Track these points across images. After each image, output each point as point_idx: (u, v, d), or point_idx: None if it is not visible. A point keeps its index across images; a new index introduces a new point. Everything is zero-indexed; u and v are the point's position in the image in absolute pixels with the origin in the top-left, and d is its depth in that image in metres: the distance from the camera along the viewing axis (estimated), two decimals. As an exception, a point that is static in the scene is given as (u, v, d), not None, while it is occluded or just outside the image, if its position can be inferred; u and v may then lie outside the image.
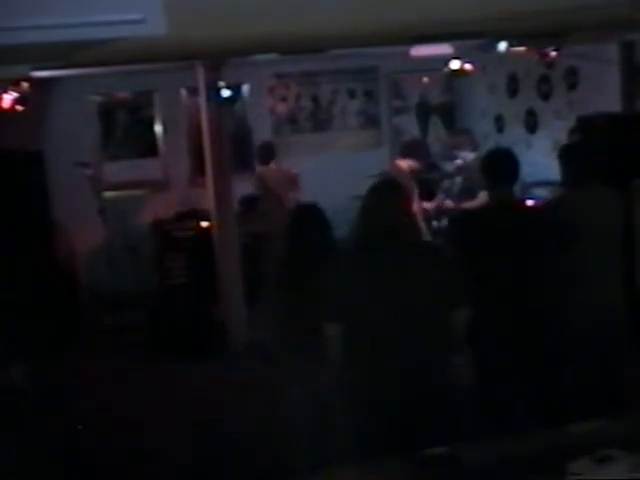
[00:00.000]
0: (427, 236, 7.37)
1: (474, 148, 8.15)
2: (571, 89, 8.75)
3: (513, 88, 9.70)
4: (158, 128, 9.58)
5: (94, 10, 2.05)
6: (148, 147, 9.60)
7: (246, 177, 9.34)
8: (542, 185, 7.66)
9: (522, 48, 7.80)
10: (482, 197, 7.47)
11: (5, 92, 7.43)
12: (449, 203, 8.05)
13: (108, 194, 9.01)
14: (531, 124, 9.43)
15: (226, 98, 7.56)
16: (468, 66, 8.54)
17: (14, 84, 7.39)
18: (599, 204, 4.94)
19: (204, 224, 8.56)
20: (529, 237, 4.64)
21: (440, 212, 8.09)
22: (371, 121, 10.39)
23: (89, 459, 5.39)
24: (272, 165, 8.45)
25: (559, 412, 4.65)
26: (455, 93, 10.56)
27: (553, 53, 7.83)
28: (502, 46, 7.42)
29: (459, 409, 4.20)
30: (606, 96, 8.11)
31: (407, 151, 8.24)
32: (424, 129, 10.54)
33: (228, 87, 7.51)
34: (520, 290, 4.59)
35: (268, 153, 8.53)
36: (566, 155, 5.05)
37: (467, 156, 8.09)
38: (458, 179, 8.16)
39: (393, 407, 3.82)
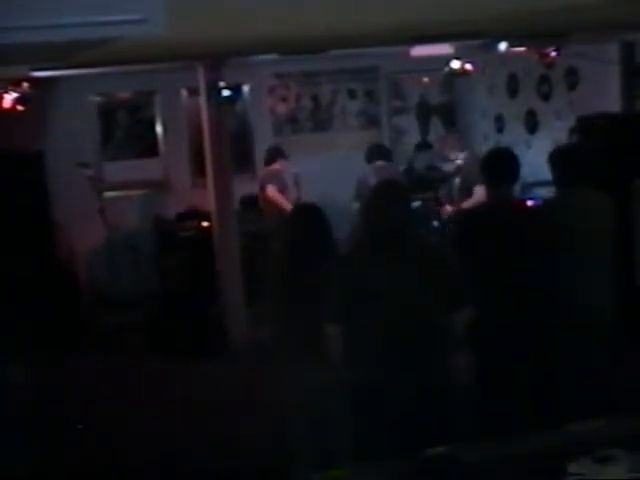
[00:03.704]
0: (427, 236, 7.37)
1: (464, 148, 8.18)
2: (571, 89, 8.74)
3: (513, 88, 9.70)
4: (158, 128, 9.59)
5: (94, 10, 2.05)
6: (148, 147, 9.60)
7: (246, 177, 9.35)
8: (542, 185, 7.66)
9: (522, 48, 7.81)
10: (478, 193, 7.51)
11: (5, 92, 7.43)
12: (449, 203, 8.06)
13: (108, 194, 9.01)
14: (531, 124, 9.43)
15: (226, 98, 7.55)
16: (468, 66, 8.54)
17: (14, 84, 7.39)
18: (596, 205, 4.94)
19: (204, 224, 8.56)
20: (528, 237, 4.64)
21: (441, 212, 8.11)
22: (371, 121, 10.39)
23: (89, 459, 5.39)
24: (275, 165, 8.44)
25: (559, 412, 4.65)
26: (455, 93, 10.56)
27: (553, 53, 7.83)
28: (502, 46, 7.42)
29: (459, 409, 4.21)
30: (606, 96, 8.11)
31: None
32: (424, 129, 10.54)
33: (228, 87, 7.50)
34: (520, 290, 4.59)
35: (273, 155, 8.54)
36: (559, 158, 5.04)
37: (459, 156, 8.12)
38: (458, 179, 8.17)
39: (393, 407, 3.82)
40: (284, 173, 8.50)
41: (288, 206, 7.89)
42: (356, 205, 7.87)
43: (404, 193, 4.28)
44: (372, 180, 7.80)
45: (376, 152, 8.31)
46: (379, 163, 8.17)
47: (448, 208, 8.07)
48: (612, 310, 4.88)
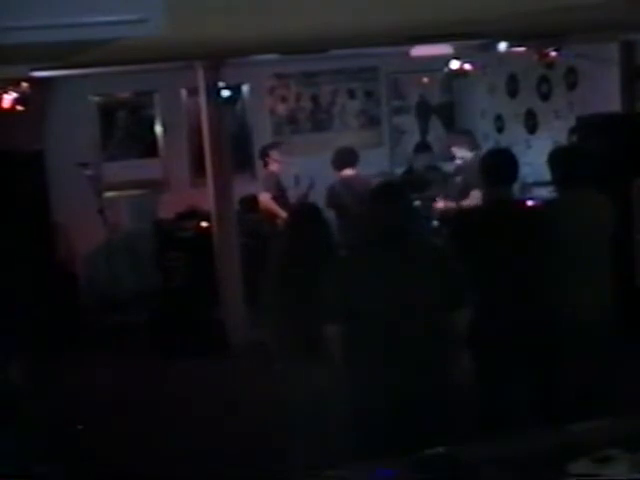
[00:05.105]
0: (427, 236, 7.37)
1: (473, 148, 8.15)
2: (571, 89, 8.75)
3: (513, 88, 9.70)
4: (158, 128, 9.58)
5: (94, 10, 2.05)
6: (148, 147, 9.59)
7: (246, 177, 9.35)
8: (542, 185, 7.67)
9: (522, 48, 7.81)
10: (474, 196, 7.52)
11: (5, 92, 7.43)
12: (449, 204, 8.06)
13: (108, 194, 9.01)
14: (531, 124, 9.43)
15: (226, 98, 7.56)
16: (468, 66, 8.55)
17: (14, 84, 7.39)
18: (596, 205, 4.94)
19: (204, 224, 8.56)
20: (528, 237, 4.64)
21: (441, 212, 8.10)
22: (371, 121, 10.39)
23: (89, 459, 5.39)
24: (274, 166, 8.43)
25: (559, 412, 4.65)
26: (455, 93, 10.56)
27: (553, 53, 7.84)
28: (502, 46, 7.43)
29: (459, 409, 4.21)
30: (606, 96, 8.11)
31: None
32: (424, 129, 10.54)
33: (228, 87, 7.51)
34: (519, 290, 4.60)
35: (264, 155, 8.56)
36: (559, 158, 5.04)
37: (465, 155, 8.10)
38: (458, 179, 8.17)
39: (393, 407, 3.82)
40: (282, 174, 8.50)
41: (281, 213, 7.88)
42: (330, 211, 7.73)
43: (403, 193, 4.28)
44: (342, 192, 7.79)
45: (345, 158, 8.04)
46: (347, 172, 7.96)
47: (441, 204, 8.06)
48: (612, 310, 4.88)
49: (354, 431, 4.00)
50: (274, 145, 8.65)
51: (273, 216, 8.10)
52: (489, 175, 4.83)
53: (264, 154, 8.56)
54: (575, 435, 3.35)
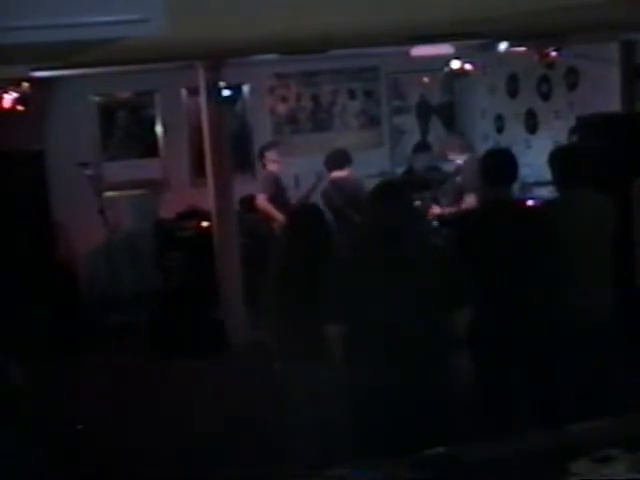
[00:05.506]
0: (428, 237, 7.37)
1: (466, 150, 8.17)
2: (571, 89, 8.75)
3: (513, 88, 9.71)
4: (158, 128, 9.58)
5: (94, 10, 2.05)
6: (148, 147, 9.59)
7: (246, 177, 9.35)
8: (542, 185, 7.67)
9: (522, 48, 7.82)
10: (469, 199, 7.52)
11: (5, 92, 7.43)
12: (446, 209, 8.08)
13: (108, 194, 9.01)
14: (531, 124, 9.43)
15: (226, 98, 7.55)
16: (468, 66, 8.55)
17: (14, 84, 7.40)
18: (596, 205, 4.94)
19: (204, 224, 8.56)
20: (528, 237, 4.64)
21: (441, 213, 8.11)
22: (371, 121, 10.39)
23: (89, 459, 5.39)
24: (273, 166, 8.43)
25: (559, 412, 4.65)
26: (455, 93, 10.56)
27: (553, 53, 7.84)
28: (502, 46, 7.43)
29: (459, 409, 4.21)
30: (606, 96, 8.11)
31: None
32: (424, 129, 10.54)
33: (228, 87, 7.50)
34: (519, 290, 4.60)
35: (261, 155, 8.58)
36: (559, 158, 5.05)
37: (456, 158, 8.13)
38: (458, 179, 8.18)
39: (393, 407, 3.82)
40: (280, 174, 8.49)
41: (277, 215, 7.88)
42: (330, 215, 7.69)
43: (404, 193, 4.28)
44: (333, 194, 7.79)
45: (336, 159, 8.03)
46: (337, 174, 7.95)
47: (436, 210, 8.08)
48: (612, 310, 4.88)
49: (354, 431, 4.00)
50: (270, 145, 8.65)
51: (269, 218, 8.10)
52: (489, 175, 4.84)
53: (260, 155, 8.58)
54: (575, 435, 3.35)
